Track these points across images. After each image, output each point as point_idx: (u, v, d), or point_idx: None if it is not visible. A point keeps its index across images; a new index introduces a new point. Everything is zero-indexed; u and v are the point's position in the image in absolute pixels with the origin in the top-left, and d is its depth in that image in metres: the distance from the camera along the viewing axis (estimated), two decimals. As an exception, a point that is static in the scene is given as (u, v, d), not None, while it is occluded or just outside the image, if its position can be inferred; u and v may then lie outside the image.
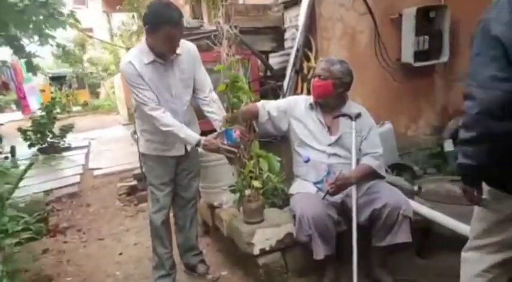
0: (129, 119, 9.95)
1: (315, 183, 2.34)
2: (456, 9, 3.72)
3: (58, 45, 7.06)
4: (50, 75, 17.67)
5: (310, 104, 2.44)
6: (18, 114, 14.27)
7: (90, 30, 17.37)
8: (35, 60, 6.76)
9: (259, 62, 3.27)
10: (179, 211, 2.58)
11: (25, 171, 3.14)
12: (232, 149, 2.15)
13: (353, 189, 2.23)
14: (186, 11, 6.74)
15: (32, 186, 4.76)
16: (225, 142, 2.13)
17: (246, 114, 2.39)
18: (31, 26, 6.01)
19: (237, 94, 2.34)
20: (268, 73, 3.43)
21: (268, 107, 2.48)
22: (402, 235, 2.13)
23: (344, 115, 2.36)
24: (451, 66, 3.91)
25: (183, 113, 2.31)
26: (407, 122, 4.01)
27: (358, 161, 2.35)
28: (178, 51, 2.18)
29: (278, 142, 2.92)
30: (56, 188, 4.62)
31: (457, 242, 2.38)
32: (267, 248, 2.31)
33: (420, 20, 3.64)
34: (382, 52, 3.73)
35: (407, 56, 3.72)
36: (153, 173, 2.39)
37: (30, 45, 6.67)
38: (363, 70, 3.69)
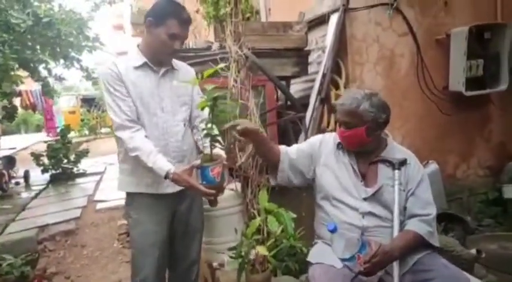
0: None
1: (343, 260, 1.73)
2: (518, 29, 3.11)
3: (82, 68, 6.98)
4: (81, 97, 18.00)
5: (339, 143, 1.87)
6: (42, 136, 14.42)
7: (125, 53, 17.74)
8: (67, 83, 6.64)
9: (279, 91, 2.77)
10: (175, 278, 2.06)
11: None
12: (209, 191, 1.65)
13: (394, 267, 1.63)
14: (210, 34, 6.46)
15: (29, 220, 4.41)
16: (200, 182, 1.65)
17: (245, 134, 1.73)
18: (58, 49, 6.03)
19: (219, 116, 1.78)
20: (289, 102, 2.91)
21: (289, 150, 1.93)
22: None
23: (385, 161, 1.78)
24: (510, 95, 3.27)
25: (177, 133, 1.83)
26: (457, 161, 3.38)
27: (401, 223, 1.75)
28: (175, 67, 1.86)
29: (297, 188, 2.37)
30: (53, 224, 4.23)
31: None
32: None
33: (473, 41, 3.09)
34: (426, 79, 3.18)
35: (456, 84, 3.14)
36: (140, 227, 1.85)
37: (57, 67, 6.70)
38: (403, 101, 3.16)
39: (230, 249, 1.97)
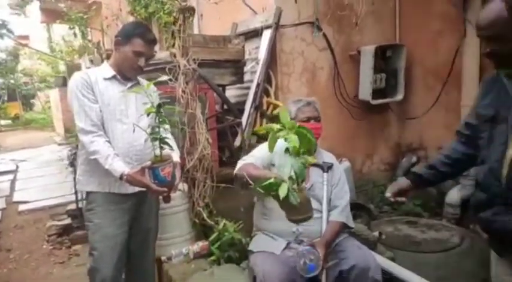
0: (66, 138, 9.15)
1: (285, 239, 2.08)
2: (411, 49, 3.78)
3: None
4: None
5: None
6: None
7: (26, 37, 16.12)
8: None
9: (215, 95, 3.03)
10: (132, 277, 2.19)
11: None
12: (161, 189, 1.84)
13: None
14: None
15: None
16: (153, 181, 1.82)
17: None
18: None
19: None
20: (225, 106, 3.20)
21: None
22: (371, 300, 1.97)
23: (317, 165, 2.18)
24: (405, 104, 3.97)
25: (140, 138, 1.96)
26: (363, 158, 3.98)
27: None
28: (141, 83, 2.05)
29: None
30: (-31, 229, 3.95)
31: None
32: (224, 316, 2.03)
33: (378, 58, 3.67)
34: (341, 89, 3.69)
35: (365, 94, 3.70)
36: (101, 231, 1.93)
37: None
38: (323, 107, 3.54)
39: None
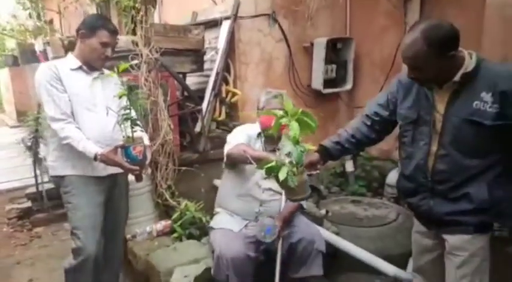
0: (18, 121, 8.78)
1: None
2: (359, 43, 4.09)
3: None
4: None
5: (259, 133, 2.44)
6: None
7: None
8: None
9: (176, 83, 3.17)
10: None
11: None
12: (133, 167, 1.99)
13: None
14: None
15: None
16: (125, 160, 1.97)
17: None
18: None
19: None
20: (185, 93, 3.35)
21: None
22: (315, 268, 2.27)
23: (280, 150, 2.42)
24: (353, 93, 4.29)
25: (109, 124, 2.10)
26: (316, 144, 4.27)
27: None
28: (106, 72, 2.15)
29: (197, 169, 2.88)
30: None
31: (358, 262, 2.67)
32: (186, 286, 2.25)
33: (329, 50, 3.94)
34: (295, 78, 3.94)
35: (317, 83, 3.98)
36: (80, 211, 2.05)
37: None
38: None
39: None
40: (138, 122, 2.01)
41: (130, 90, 1.91)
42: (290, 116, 1.59)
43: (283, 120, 1.62)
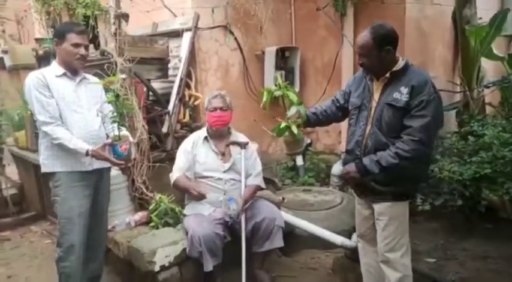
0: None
1: (213, 205, 2.71)
2: (304, 51, 4.64)
3: None
4: None
5: (206, 137, 2.82)
6: None
7: None
8: None
9: (144, 88, 3.47)
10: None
11: None
12: (119, 162, 2.27)
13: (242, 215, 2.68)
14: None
15: None
16: (112, 156, 2.24)
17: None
18: None
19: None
20: (151, 98, 3.65)
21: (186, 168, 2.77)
22: (277, 241, 2.70)
23: (236, 143, 2.82)
24: (300, 95, 4.81)
25: (94, 125, 2.34)
26: (269, 141, 4.75)
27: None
28: (87, 77, 2.40)
29: (169, 165, 3.20)
30: None
31: (312, 241, 3.13)
32: (167, 264, 2.58)
33: (278, 57, 4.43)
34: (249, 83, 4.38)
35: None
36: (68, 203, 2.26)
37: None
38: (235, 98, 4.17)
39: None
40: (125, 123, 2.32)
41: (118, 97, 2.22)
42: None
43: (277, 93, 2.85)
